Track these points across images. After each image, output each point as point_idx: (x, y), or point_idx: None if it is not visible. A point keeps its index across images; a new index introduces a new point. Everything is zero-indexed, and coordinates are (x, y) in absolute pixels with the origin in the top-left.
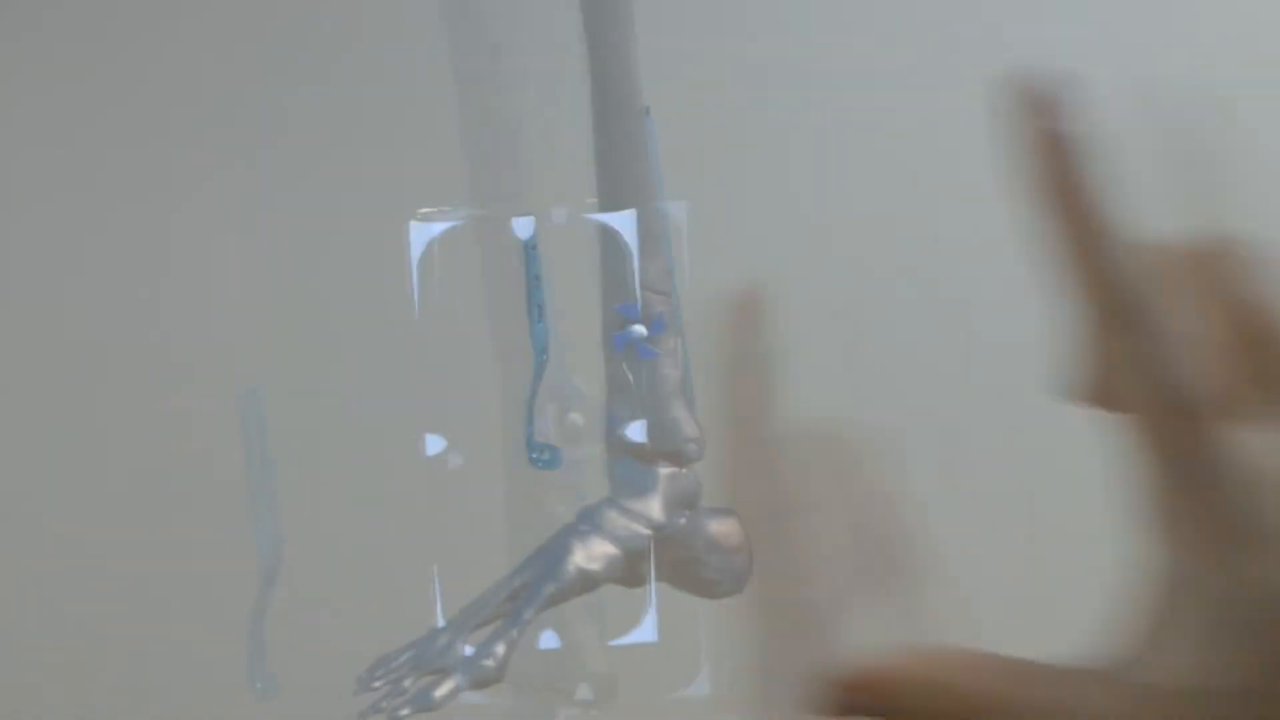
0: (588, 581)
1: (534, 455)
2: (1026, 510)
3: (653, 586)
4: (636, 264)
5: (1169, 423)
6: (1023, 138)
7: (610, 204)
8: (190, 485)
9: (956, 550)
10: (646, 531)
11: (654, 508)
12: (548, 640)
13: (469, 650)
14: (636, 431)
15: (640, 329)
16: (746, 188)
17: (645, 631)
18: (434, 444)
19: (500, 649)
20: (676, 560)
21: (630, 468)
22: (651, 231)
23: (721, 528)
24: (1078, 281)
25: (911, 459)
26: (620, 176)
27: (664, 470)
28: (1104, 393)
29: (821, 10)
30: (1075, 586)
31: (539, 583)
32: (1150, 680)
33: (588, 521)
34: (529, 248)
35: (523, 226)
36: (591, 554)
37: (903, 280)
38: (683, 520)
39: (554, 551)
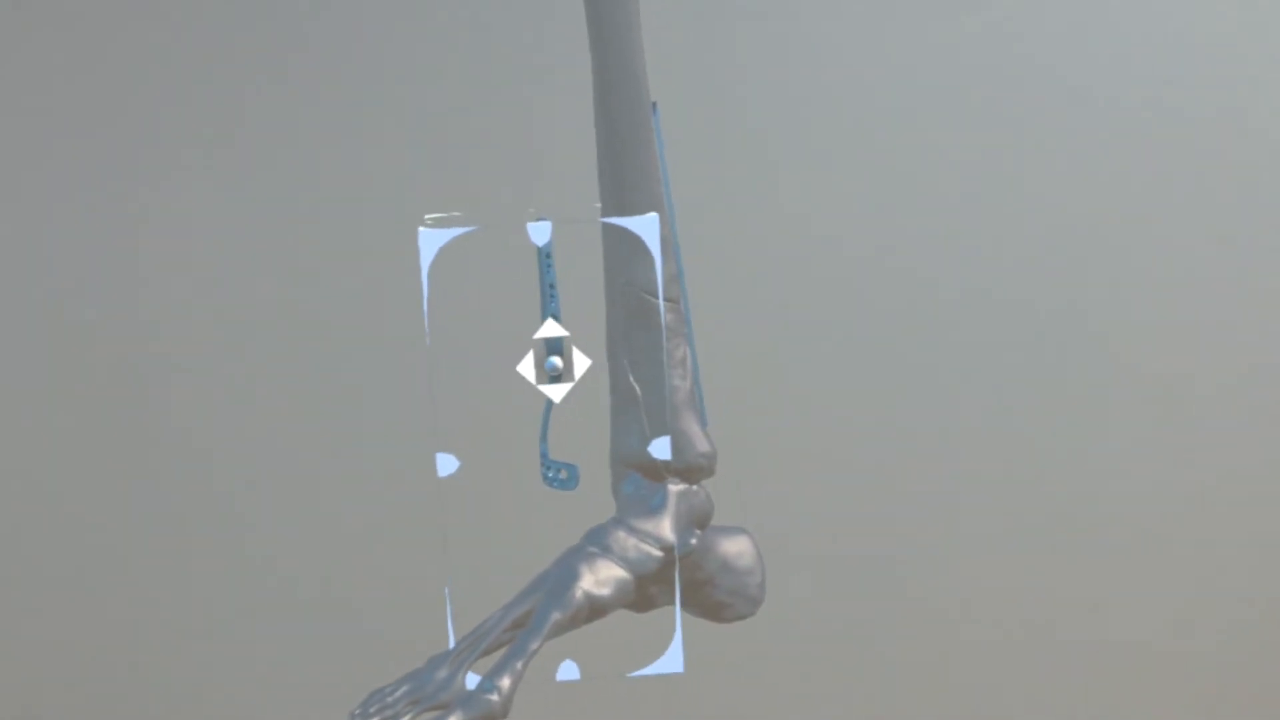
0: (596, 608)
1: (549, 474)
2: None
3: (679, 613)
4: (659, 267)
5: None
6: None
7: (614, 206)
8: (190, 491)
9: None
10: (658, 553)
11: (664, 527)
12: (567, 671)
13: (471, 683)
14: (646, 446)
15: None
16: (748, 193)
17: (670, 661)
18: (446, 464)
19: (505, 682)
20: (687, 582)
21: (639, 484)
22: (659, 235)
23: (734, 547)
24: None
25: (907, 455)
26: (625, 176)
27: (674, 487)
28: None
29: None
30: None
31: (545, 610)
32: None
33: (595, 543)
34: (544, 255)
35: (539, 232)
36: (600, 578)
37: (903, 283)
38: (694, 540)
39: (560, 576)
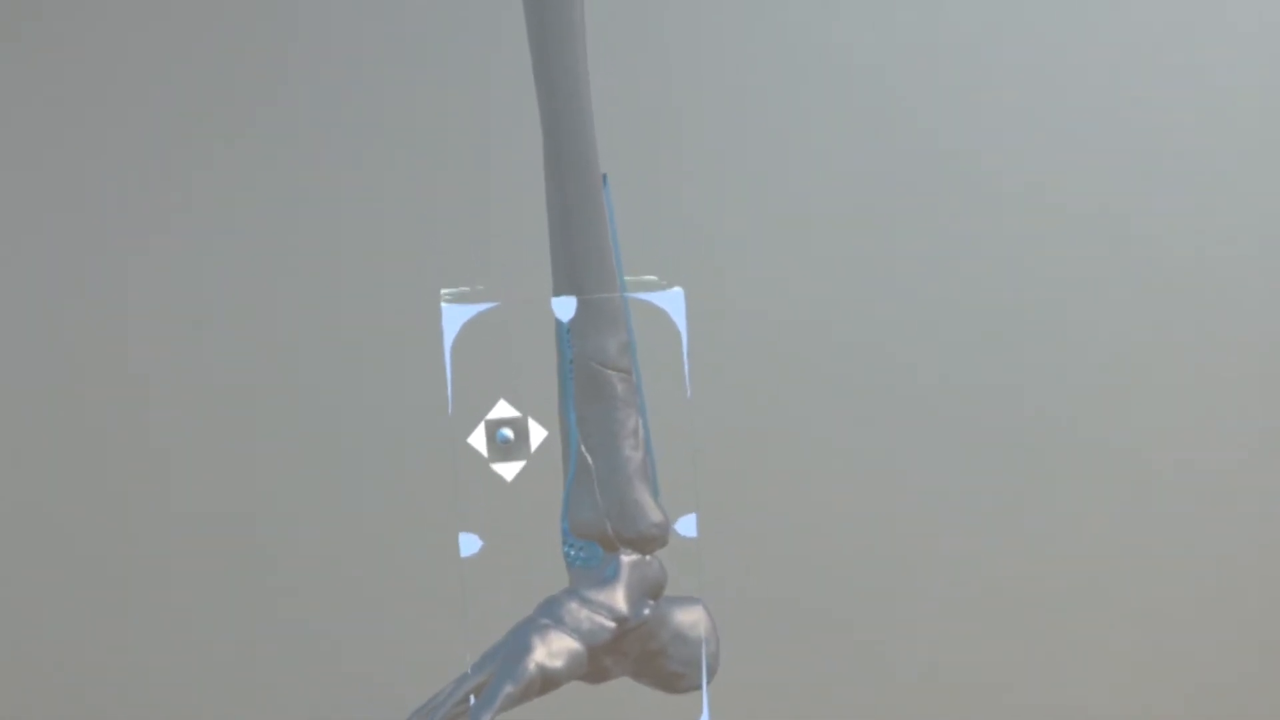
0: (549, 679)
1: (570, 551)
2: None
3: (705, 692)
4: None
5: None
6: None
7: (565, 280)
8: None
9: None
10: (610, 624)
11: (618, 598)
12: None
13: None
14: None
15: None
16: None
17: None
18: (469, 544)
19: None
20: (640, 653)
21: (592, 555)
22: (610, 307)
23: (688, 617)
24: None
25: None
26: (576, 249)
27: (627, 557)
28: None
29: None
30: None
31: (498, 682)
32: None
33: (548, 614)
34: (564, 331)
35: (563, 307)
36: (552, 650)
37: (862, 347)
38: (647, 610)
39: (512, 648)
